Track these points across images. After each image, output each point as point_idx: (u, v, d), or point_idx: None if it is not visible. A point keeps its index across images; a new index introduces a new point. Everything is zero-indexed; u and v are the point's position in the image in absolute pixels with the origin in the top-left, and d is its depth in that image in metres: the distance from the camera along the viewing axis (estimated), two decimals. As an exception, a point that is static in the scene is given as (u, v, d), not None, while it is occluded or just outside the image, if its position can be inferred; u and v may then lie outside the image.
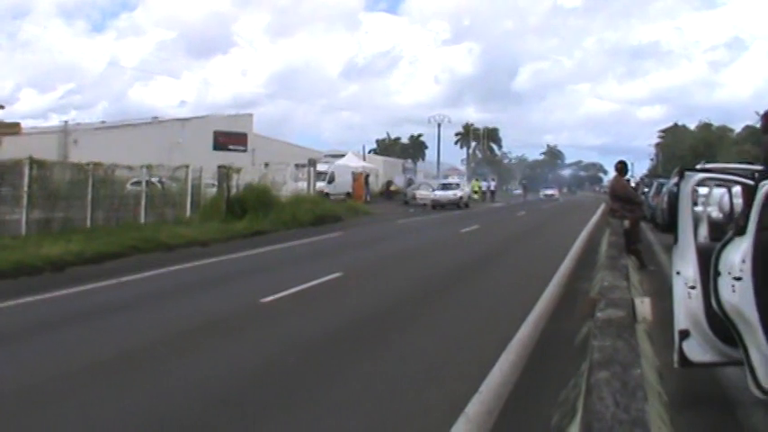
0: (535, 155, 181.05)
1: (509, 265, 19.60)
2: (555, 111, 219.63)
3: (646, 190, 37.93)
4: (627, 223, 16.82)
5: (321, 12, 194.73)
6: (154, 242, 21.60)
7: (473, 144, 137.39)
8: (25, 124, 63.92)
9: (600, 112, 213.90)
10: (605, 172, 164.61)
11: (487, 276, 17.17)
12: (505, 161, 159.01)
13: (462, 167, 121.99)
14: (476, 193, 75.37)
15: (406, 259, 20.73)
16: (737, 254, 5.93)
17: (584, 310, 6.64)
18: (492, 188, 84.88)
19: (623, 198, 17.42)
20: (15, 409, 7.02)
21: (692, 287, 6.52)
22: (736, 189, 8.42)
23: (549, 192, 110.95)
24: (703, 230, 7.87)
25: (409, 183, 70.69)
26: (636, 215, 17.31)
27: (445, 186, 60.87)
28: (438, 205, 54.73)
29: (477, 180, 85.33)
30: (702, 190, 13.98)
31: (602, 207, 42.92)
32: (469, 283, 15.80)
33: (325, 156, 69.56)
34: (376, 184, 69.34)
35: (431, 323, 11.33)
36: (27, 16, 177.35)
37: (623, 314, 5.95)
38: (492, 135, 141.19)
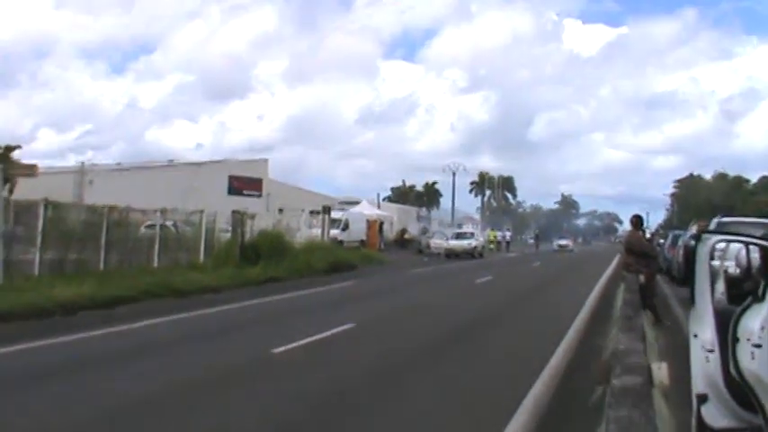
0: (550, 204, 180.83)
1: (524, 317, 19.48)
2: (570, 160, 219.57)
3: (661, 242, 37.85)
4: (642, 278, 16.71)
5: (339, 58, 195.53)
6: (167, 287, 21.52)
7: (488, 193, 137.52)
8: (42, 164, 64.36)
9: (615, 161, 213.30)
10: (620, 222, 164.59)
11: (501, 330, 17.05)
12: (520, 210, 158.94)
13: (477, 216, 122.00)
14: (492, 242, 75.63)
15: (421, 310, 20.62)
16: (756, 321, 5.85)
17: (600, 374, 6.55)
18: (507, 238, 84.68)
19: (638, 252, 17.33)
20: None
21: (710, 351, 6.44)
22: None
23: (563, 242, 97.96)
24: (720, 286, 7.76)
25: (423, 231, 70.69)
26: (651, 269, 17.20)
27: (459, 236, 60.94)
28: (452, 254, 54.73)
29: (492, 230, 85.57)
30: (719, 244, 13.88)
31: (617, 258, 42.78)
32: (483, 337, 15.67)
33: (340, 203, 69.73)
34: (390, 232, 69.38)
35: (443, 378, 11.23)
36: (48, 57, 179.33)
37: (640, 380, 5.86)
38: (507, 184, 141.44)
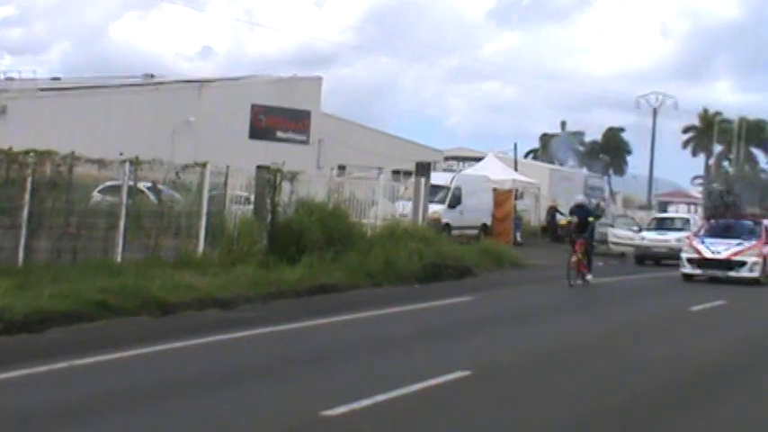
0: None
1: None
2: None
3: None
4: None
5: None
6: (138, 297, 21.69)
7: (717, 148, 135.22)
8: None
9: None
10: None
11: (737, 398, 16.75)
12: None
13: (695, 190, 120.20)
14: None
15: (585, 354, 20.54)
16: None
17: None
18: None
19: None
20: None
21: None
22: None
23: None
24: None
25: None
26: None
27: (662, 224, 59.64)
28: (647, 258, 53.52)
29: None
30: None
31: None
32: (701, 407, 15.50)
33: (447, 158, 69.63)
34: (535, 212, 68.77)
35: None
36: None
37: None
38: (754, 132, 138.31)
